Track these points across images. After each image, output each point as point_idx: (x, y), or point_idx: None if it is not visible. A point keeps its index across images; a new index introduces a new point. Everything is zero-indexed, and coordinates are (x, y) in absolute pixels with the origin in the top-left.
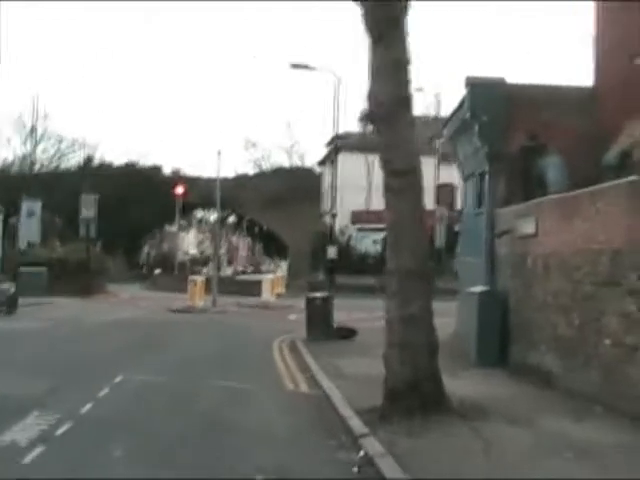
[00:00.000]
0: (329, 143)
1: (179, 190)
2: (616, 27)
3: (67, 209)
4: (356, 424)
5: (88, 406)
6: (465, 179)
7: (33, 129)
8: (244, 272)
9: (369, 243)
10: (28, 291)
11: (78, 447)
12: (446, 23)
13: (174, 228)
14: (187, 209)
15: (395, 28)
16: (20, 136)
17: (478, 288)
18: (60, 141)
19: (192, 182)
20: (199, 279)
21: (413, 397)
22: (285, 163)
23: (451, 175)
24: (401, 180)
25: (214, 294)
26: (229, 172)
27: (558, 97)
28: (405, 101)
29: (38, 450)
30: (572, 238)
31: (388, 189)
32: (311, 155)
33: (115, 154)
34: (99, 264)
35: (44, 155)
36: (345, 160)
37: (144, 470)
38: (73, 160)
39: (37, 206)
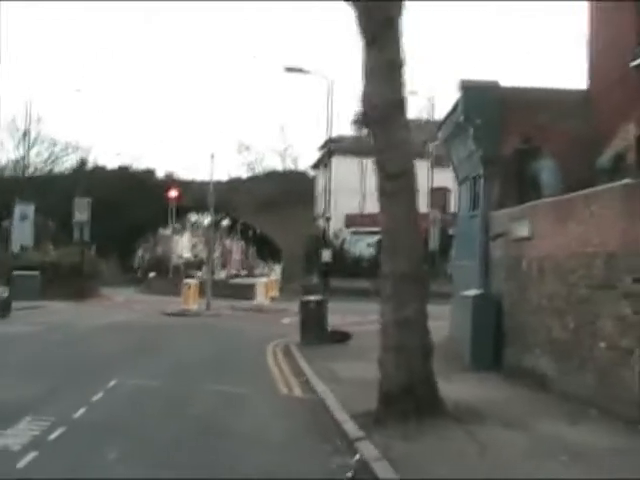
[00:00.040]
0: (322, 146)
1: (173, 193)
2: (610, 27)
3: (60, 212)
4: (351, 428)
5: (82, 410)
6: (459, 182)
7: (26, 132)
8: (238, 275)
9: (363, 246)
10: (21, 295)
11: (72, 452)
12: (439, 25)
13: (168, 232)
14: (181, 212)
15: (389, 29)
16: (13, 139)
17: (472, 291)
18: (54, 144)
19: (186, 185)
20: (193, 282)
21: (408, 401)
22: (278, 166)
23: (445, 178)
24: (395, 183)
25: (208, 297)
26: (223, 175)
27: (552, 100)
28: (399, 103)
29: (31, 455)
30: (567, 241)
31: (382, 192)
32: (304, 158)
33: (108, 157)
34: (93, 268)
35: (37, 158)
36: (338, 163)
37: (138, 474)
38: (67, 163)
39: (30, 209)
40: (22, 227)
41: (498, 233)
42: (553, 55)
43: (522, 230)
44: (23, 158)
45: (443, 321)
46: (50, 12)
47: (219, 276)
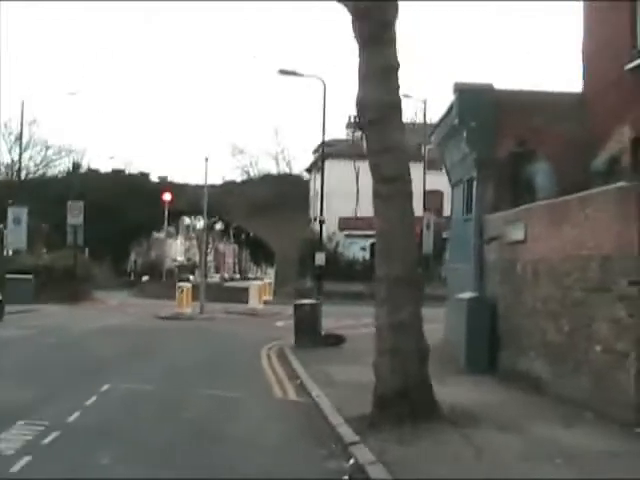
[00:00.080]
0: (316, 150)
1: (166, 197)
2: (604, 29)
3: (54, 216)
4: (346, 432)
5: (75, 415)
6: (453, 185)
7: (20, 136)
8: (231, 279)
9: (357, 249)
10: (14, 299)
11: (66, 456)
12: (434, 26)
13: (161, 235)
14: (174, 216)
15: (385, 32)
16: (6, 143)
17: (467, 294)
18: (47, 148)
19: (179, 189)
20: (187, 286)
21: (403, 404)
22: (273, 170)
23: (439, 181)
24: (390, 186)
25: (202, 301)
26: (217, 179)
27: (547, 103)
28: (395, 106)
29: (25, 460)
30: (561, 244)
31: (377, 195)
32: (299, 162)
33: (102, 161)
34: (86, 271)
35: (31, 162)
36: (332, 167)
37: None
38: (60, 167)
39: (23, 213)
40: (15, 231)
41: (492, 236)
42: (551, 56)
43: (517, 233)
44: (16, 162)
45: (437, 324)
46: (48, 12)
47: (213, 279)
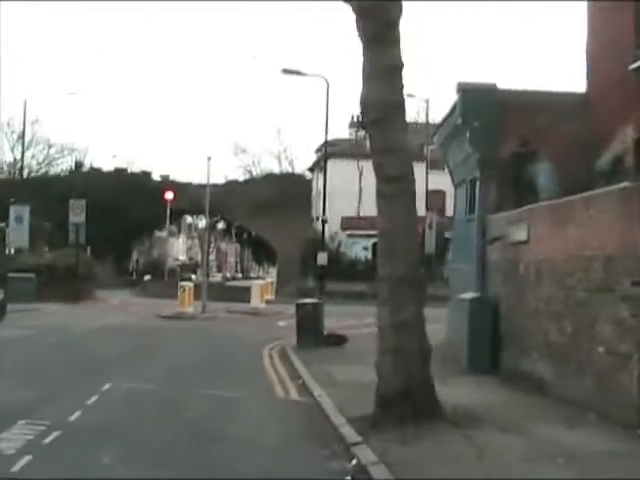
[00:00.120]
0: (319, 149)
1: (169, 196)
2: (609, 29)
3: (56, 215)
4: (348, 432)
5: (77, 414)
6: (456, 185)
7: (22, 134)
8: (233, 278)
9: (359, 249)
10: (16, 297)
11: (67, 456)
12: (437, 26)
13: (164, 234)
14: (176, 215)
15: (389, 32)
16: (9, 141)
17: (469, 294)
18: (49, 146)
19: (182, 188)
20: (188, 285)
21: (405, 405)
22: (275, 169)
23: (441, 181)
24: (394, 186)
25: (204, 300)
26: (219, 178)
27: (550, 103)
28: (398, 106)
29: (26, 459)
30: (564, 244)
31: (380, 195)
32: (301, 161)
33: (105, 160)
34: (88, 270)
35: (33, 161)
36: (335, 166)
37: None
38: (62, 165)
39: (25, 212)
40: (17, 229)
41: (495, 236)
42: (554, 56)
43: (519, 233)
44: (19, 160)
45: (440, 324)
46: (49, 12)
47: (215, 279)
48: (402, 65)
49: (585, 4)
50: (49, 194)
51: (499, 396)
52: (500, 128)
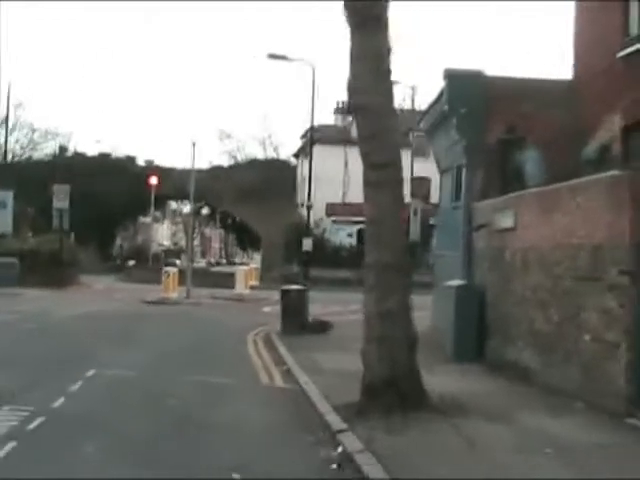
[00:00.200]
0: (304, 135)
1: (153, 181)
2: (595, 26)
3: (39, 200)
4: (334, 419)
5: (60, 401)
6: (442, 172)
7: (6, 119)
8: (217, 263)
9: (343, 236)
10: None
11: (52, 442)
12: (421, 14)
13: (148, 219)
14: (161, 200)
15: (377, 15)
16: None
17: (455, 282)
18: (33, 131)
19: (166, 173)
20: (173, 271)
21: (392, 393)
22: (260, 155)
23: (426, 168)
24: (381, 173)
25: (188, 286)
26: (204, 163)
27: (537, 90)
28: (386, 91)
29: (10, 445)
30: (552, 232)
31: (367, 182)
32: (286, 147)
33: (88, 144)
34: (72, 255)
35: (17, 145)
36: (320, 152)
37: (118, 465)
38: (46, 150)
39: (9, 197)
40: (1, 214)
41: (481, 224)
42: (541, 42)
43: (506, 221)
44: (2, 145)
45: (424, 311)
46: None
47: (199, 264)
48: (390, 50)
49: None
50: (32, 179)
51: (485, 385)
52: (487, 115)
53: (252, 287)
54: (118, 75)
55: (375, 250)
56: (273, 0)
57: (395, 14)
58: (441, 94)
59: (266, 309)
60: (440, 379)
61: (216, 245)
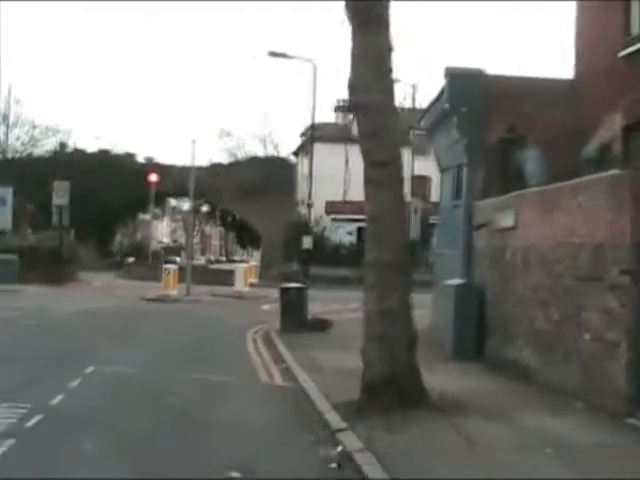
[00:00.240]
0: (304, 133)
1: (153, 178)
2: (596, 25)
3: (39, 196)
4: (333, 418)
5: (59, 398)
6: (442, 171)
7: (6, 116)
8: (217, 261)
9: (343, 234)
10: None
11: (50, 440)
12: (422, 12)
13: (147, 217)
14: (160, 197)
15: (378, 15)
16: None
17: (455, 281)
18: (33, 127)
19: (166, 170)
20: (173, 268)
21: (392, 392)
22: (260, 153)
23: (425, 167)
24: (381, 171)
25: (188, 283)
26: (204, 161)
27: (538, 89)
28: (387, 89)
29: (8, 443)
30: (552, 231)
31: (368, 180)
32: (286, 145)
33: (89, 141)
34: (71, 252)
35: (17, 142)
36: (320, 150)
37: (117, 463)
38: (47, 146)
39: (9, 193)
40: (0, 211)
41: (482, 223)
42: (542, 42)
43: (506, 220)
44: (3, 142)
45: (424, 310)
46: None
47: (198, 262)
48: (391, 48)
49: None
50: (32, 175)
51: (485, 383)
52: (487, 114)
53: (252, 285)
54: (119, 73)
55: (376, 248)
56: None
57: (396, 13)
58: (442, 93)
59: (265, 307)
60: (440, 377)
61: (216, 243)
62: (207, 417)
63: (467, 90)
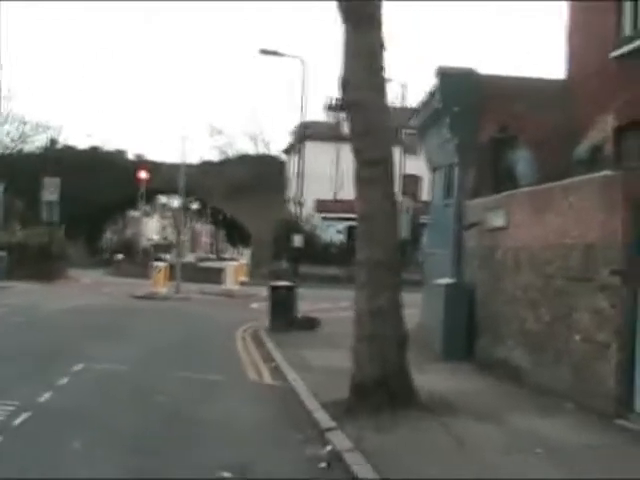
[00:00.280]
0: (295, 131)
1: (142, 175)
2: (589, 26)
3: (29, 193)
4: (322, 417)
5: (47, 395)
6: (433, 170)
7: None
8: (207, 259)
9: (333, 232)
10: None
11: (38, 437)
12: (413, 10)
13: (137, 214)
14: (150, 195)
15: (371, 14)
16: None
17: (445, 280)
18: (24, 123)
19: (156, 167)
20: (162, 265)
21: (381, 392)
22: (250, 151)
23: (415, 166)
24: (373, 169)
25: (178, 281)
26: (194, 158)
27: (530, 89)
28: (379, 87)
29: None
30: (544, 232)
31: (359, 179)
32: (277, 143)
33: (79, 138)
34: (61, 249)
35: (7, 138)
36: (310, 149)
37: (105, 462)
38: (37, 143)
39: None
40: None
41: (472, 222)
42: (534, 42)
43: (497, 220)
44: None
45: (414, 309)
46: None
47: (188, 259)
48: (383, 46)
49: None
50: (22, 172)
51: (475, 383)
52: (479, 113)
53: (241, 283)
54: (109, 69)
55: (367, 247)
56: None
57: (388, 11)
58: (433, 92)
59: (255, 305)
60: (429, 377)
61: (206, 240)
62: (196, 415)
63: (459, 89)
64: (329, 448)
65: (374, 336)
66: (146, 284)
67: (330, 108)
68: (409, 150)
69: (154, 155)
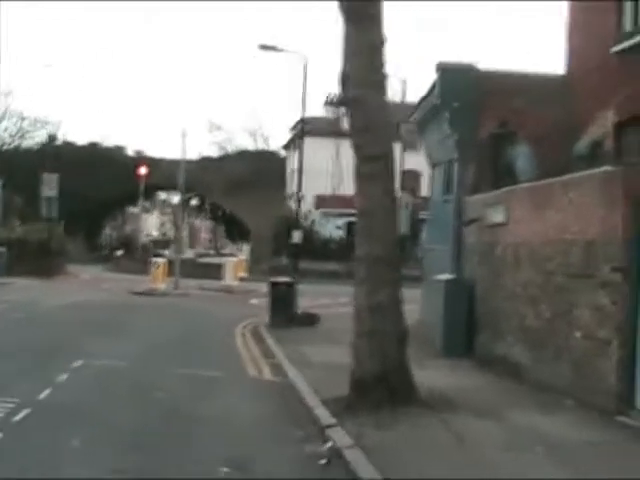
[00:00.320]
0: (294, 127)
1: (142, 171)
2: (589, 21)
3: (28, 189)
4: (322, 414)
5: (47, 392)
6: (433, 166)
7: None
8: (207, 255)
9: (332, 228)
10: None
11: (38, 434)
12: (412, 6)
13: (137, 210)
14: (150, 190)
15: (372, 7)
16: None
17: (445, 276)
18: (22, 119)
19: (155, 163)
20: (161, 261)
21: (381, 389)
22: (250, 146)
23: (415, 161)
24: (373, 165)
25: (177, 277)
26: (193, 154)
27: (530, 85)
28: (379, 83)
29: None
30: (544, 228)
31: (359, 174)
32: (276, 139)
33: (78, 133)
34: (60, 245)
35: (6, 133)
36: (309, 144)
37: (105, 458)
38: (36, 138)
39: None
40: None
41: (472, 218)
42: (534, 37)
43: (497, 216)
44: None
45: (413, 305)
46: None
47: (187, 255)
48: (384, 42)
49: None
50: (21, 167)
51: (474, 380)
52: (479, 109)
53: (241, 279)
54: (109, 65)
55: (366, 243)
56: None
57: (389, 8)
58: (433, 87)
59: (254, 301)
60: (429, 373)
61: (205, 236)
62: (196, 412)
63: (458, 85)
64: (329, 445)
65: (374, 332)
66: (145, 280)
67: (329, 104)
68: (408, 145)
69: (154, 151)
